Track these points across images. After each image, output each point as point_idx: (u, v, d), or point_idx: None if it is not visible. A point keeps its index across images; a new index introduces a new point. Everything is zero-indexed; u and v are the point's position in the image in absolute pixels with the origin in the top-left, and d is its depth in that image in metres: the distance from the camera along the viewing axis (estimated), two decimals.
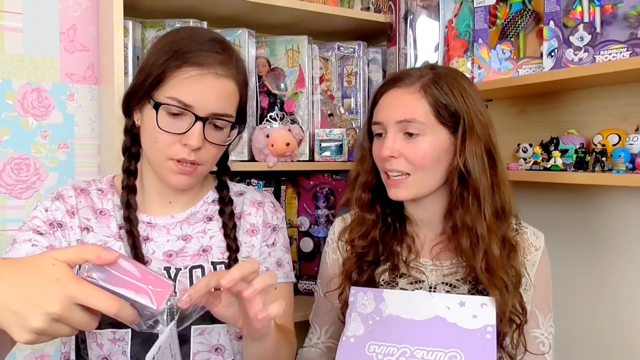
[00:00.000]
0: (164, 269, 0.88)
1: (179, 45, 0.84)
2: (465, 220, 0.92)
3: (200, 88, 0.82)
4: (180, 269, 0.89)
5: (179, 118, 0.82)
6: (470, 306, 0.82)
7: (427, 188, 0.95)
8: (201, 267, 0.90)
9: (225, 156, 0.98)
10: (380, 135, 0.98)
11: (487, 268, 0.90)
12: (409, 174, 0.93)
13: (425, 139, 0.92)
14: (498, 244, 0.91)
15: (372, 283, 0.98)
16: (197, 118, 0.81)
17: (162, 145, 0.84)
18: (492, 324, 0.80)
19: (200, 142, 0.82)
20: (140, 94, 0.85)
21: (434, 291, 0.96)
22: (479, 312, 0.82)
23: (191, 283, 0.88)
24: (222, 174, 0.99)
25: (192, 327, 0.86)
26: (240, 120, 0.91)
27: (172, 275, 0.88)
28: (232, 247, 0.92)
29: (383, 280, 0.99)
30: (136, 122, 0.89)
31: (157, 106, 0.82)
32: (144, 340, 0.85)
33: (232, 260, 0.92)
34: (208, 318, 0.86)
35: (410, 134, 0.92)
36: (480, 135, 0.92)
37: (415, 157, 0.92)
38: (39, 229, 0.86)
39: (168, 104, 0.81)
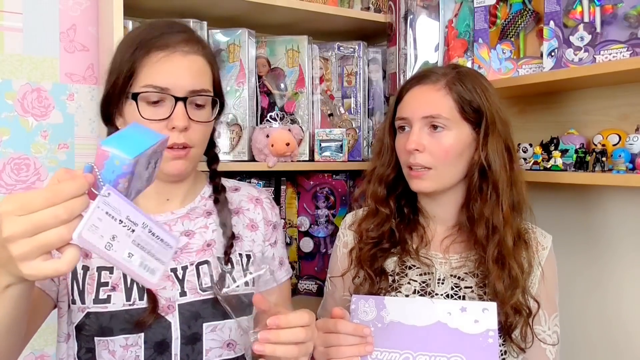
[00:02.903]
0: (171, 271, 0.88)
1: (142, 36, 0.86)
2: (483, 212, 0.95)
3: (171, 69, 0.83)
4: (187, 267, 0.89)
5: (159, 105, 0.83)
6: (471, 311, 0.83)
7: (448, 181, 0.98)
8: (207, 262, 0.91)
9: (212, 143, 0.99)
10: (403, 129, 1.01)
11: (498, 258, 0.93)
12: (430, 168, 0.96)
13: (449, 133, 0.95)
14: (512, 235, 0.94)
15: (382, 273, 1.00)
16: (177, 99, 0.82)
17: None
18: (494, 329, 0.81)
19: (186, 121, 0.83)
20: (116, 94, 0.86)
21: (443, 283, 0.97)
22: (481, 317, 0.82)
23: (199, 280, 0.89)
24: (212, 163, 1.00)
25: (204, 324, 0.87)
26: (218, 95, 0.92)
27: (180, 276, 0.88)
28: (228, 235, 0.93)
29: (393, 270, 1.00)
30: (119, 128, 0.89)
31: (135, 97, 0.82)
32: (157, 343, 0.85)
33: (228, 247, 0.92)
34: (219, 314, 0.88)
35: (435, 127, 0.95)
36: (500, 131, 0.96)
37: (440, 151, 0.95)
38: None
39: (145, 92, 0.82)
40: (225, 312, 0.87)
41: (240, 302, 0.88)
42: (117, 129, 0.88)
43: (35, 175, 1.39)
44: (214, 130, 0.99)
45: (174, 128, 0.83)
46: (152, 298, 0.85)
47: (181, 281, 0.88)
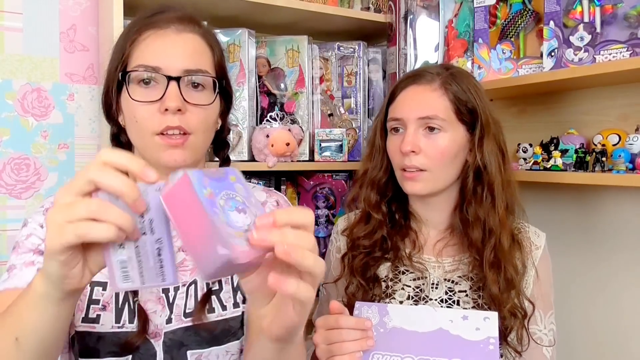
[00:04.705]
0: (162, 292, 0.81)
1: (135, 20, 0.81)
2: (478, 214, 0.94)
3: (163, 46, 0.77)
4: (179, 288, 0.82)
5: (152, 87, 0.76)
6: (473, 320, 0.83)
7: (441, 184, 0.97)
8: (194, 282, 0.83)
9: (224, 143, 0.92)
10: (397, 130, 0.99)
11: (494, 261, 0.92)
12: (424, 170, 0.95)
13: (445, 135, 0.94)
14: (508, 238, 0.93)
15: (375, 280, 0.99)
16: (170, 78, 0.75)
17: (142, 120, 0.76)
18: (495, 336, 0.81)
19: (179, 102, 0.74)
20: (112, 83, 0.80)
21: (436, 288, 0.97)
22: (482, 325, 0.83)
23: (187, 304, 0.81)
24: (219, 150, 0.93)
25: (188, 352, 0.80)
26: (221, 79, 0.83)
27: (171, 299, 0.81)
28: None
29: (386, 276, 0.99)
30: (121, 123, 0.83)
31: (124, 76, 0.76)
32: None
33: None
34: (204, 342, 0.81)
35: (432, 129, 0.94)
36: (494, 132, 0.96)
37: (436, 153, 0.94)
38: (40, 247, 0.78)
39: (135, 71, 0.76)
40: (211, 338, 0.80)
41: (227, 328, 0.82)
42: (119, 126, 0.83)
43: (35, 175, 1.39)
44: (225, 127, 0.90)
45: (166, 110, 0.74)
46: (143, 319, 0.78)
47: (170, 305, 0.81)
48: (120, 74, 0.77)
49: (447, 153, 0.94)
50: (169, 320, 0.81)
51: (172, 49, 0.77)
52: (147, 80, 0.76)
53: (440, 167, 0.95)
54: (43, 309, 0.55)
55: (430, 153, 0.94)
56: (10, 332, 0.58)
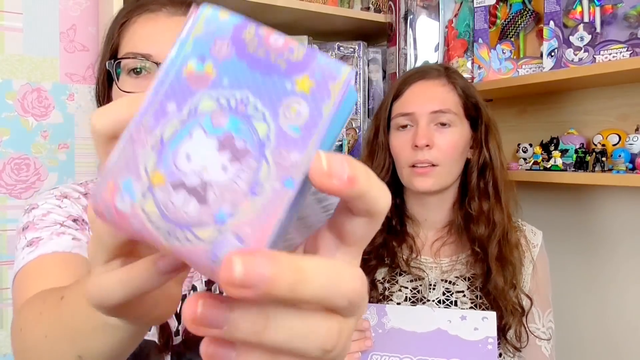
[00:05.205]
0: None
1: (127, 7, 0.76)
2: (483, 209, 0.95)
3: (154, 31, 0.70)
4: (185, 297, 0.73)
5: (143, 76, 0.69)
6: (471, 320, 0.84)
7: (449, 179, 0.98)
8: (194, 288, 0.77)
9: None
10: (404, 127, 0.99)
11: (499, 256, 0.93)
12: (436, 165, 0.95)
13: (455, 129, 0.96)
14: (514, 231, 0.95)
15: (372, 283, 0.99)
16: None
17: None
18: (493, 336, 0.81)
19: None
20: (102, 77, 0.74)
21: (434, 289, 0.97)
22: (480, 325, 0.83)
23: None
24: None
25: None
26: None
27: (178, 310, 0.71)
28: None
29: (383, 278, 0.99)
30: None
31: (112, 66, 0.70)
32: None
33: None
34: None
35: (443, 124, 0.96)
36: (494, 131, 0.99)
37: (448, 147, 0.95)
38: (65, 222, 0.69)
39: (125, 59, 0.69)
40: None
41: None
42: None
43: (35, 175, 1.39)
44: None
45: None
46: (167, 334, 0.71)
47: (178, 316, 0.72)
48: (107, 64, 0.71)
49: (457, 147, 0.96)
50: (177, 333, 0.75)
51: (162, 35, 0.69)
52: (138, 70, 0.69)
53: (451, 162, 0.96)
54: (112, 336, 0.36)
55: (442, 147, 0.95)
56: (71, 349, 0.40)
